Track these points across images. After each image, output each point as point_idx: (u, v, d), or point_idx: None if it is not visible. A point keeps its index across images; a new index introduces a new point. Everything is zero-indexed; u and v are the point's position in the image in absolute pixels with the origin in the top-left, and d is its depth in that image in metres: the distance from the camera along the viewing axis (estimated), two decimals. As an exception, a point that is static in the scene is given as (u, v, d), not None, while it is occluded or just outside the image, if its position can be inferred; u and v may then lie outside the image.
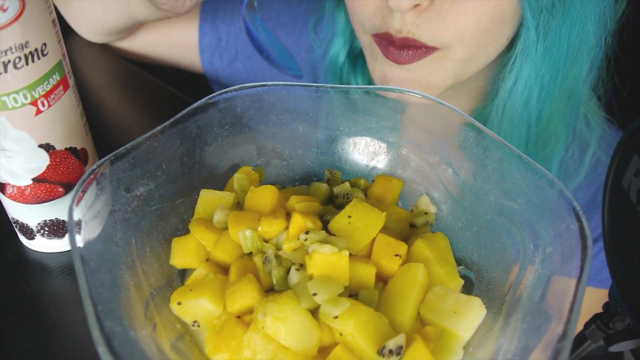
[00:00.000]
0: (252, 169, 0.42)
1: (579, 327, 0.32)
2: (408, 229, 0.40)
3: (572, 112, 0.60)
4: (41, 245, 0.42)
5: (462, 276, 0.37)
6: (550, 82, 0.56)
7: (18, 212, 0.40)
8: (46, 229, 0.41)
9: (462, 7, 0.49)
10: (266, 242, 0.36)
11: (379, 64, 0.57)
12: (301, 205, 0.37)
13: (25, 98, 0.34)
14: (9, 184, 0.38)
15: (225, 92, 0.39)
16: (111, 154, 0.33)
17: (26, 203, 0.39)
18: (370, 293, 0.33)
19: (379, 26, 0.53)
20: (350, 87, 0.40)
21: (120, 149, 0.34)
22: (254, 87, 0.40)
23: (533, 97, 0.57)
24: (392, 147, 0.43)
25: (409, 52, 0.53)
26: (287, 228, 0.35)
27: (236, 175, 0.40)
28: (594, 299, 0.65)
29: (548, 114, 0.59)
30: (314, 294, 0.30)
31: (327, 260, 0.32)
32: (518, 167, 0.35)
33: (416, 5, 0.49)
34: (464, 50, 0.53)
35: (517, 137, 0.61)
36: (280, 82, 0.40)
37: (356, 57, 0.69)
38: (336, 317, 0.30)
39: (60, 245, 0.42)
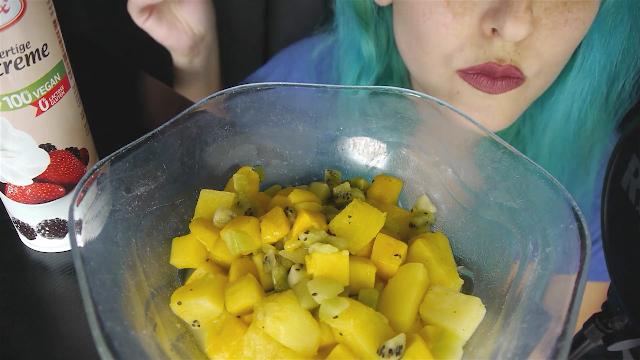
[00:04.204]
0: (252, 169, 0.42)
1: (578, 326, 0.32)
2: (408, 229, 0.40)
3: (612, 118, 0.61)
4: (42, 245, 0.42)
5: (462, 276, 0.37)
6: (604, 93, 0.58)
7: (19, 212, 0.40)
8: (47, 228, 0.41)
9: (560, 32, 0.50)
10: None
11: (463, 97, 0.56)
12: (305, 205, 0.37)
13: (26, 98, 0.34)
14: (9, 184, 0.38)
15: (226, 92, 0.39)
16: (112, 154, 0.33)
17: (27, 203, 0.39)
18: (370, 293, 0.33)
19: (476, 57, 0.52)
20: (351, 87, 0.40)
21: (121, 149, 0.34)
22: (254, 87, 0.40)
23: (587, 109, 0.58)
24: (392, 147, 0.43)
25: (503, 82, 0.52)
26: (290, 229, 0.35)
27: (236, 176, 0.40)
28: (596, 293, 0.65)
29: (592, 124, 0.60)
30: (314, 294, 0.30)
31: (327, 260, 0.32)
32: (517, 167, 0.35)
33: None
34: (547, 78, 0.54)
35: (565, 149, 0.62)
36: (280, 83, 0.40)
37: None
38: (336, 317, 0.30)
39: (60, 245, 0.43)
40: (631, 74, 0.56)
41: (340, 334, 0.30)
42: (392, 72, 0.68)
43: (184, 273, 0.37)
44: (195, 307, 0.32)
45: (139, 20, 0.72)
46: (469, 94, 0.55)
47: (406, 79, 0.69)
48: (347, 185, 0.41)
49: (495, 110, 0.55)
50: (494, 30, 0.49)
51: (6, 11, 0.31)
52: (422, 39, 0.54)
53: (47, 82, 0.35)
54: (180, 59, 0.79)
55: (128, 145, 0.34)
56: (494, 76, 0.52)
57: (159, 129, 0.36)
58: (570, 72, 0.57)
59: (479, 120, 0.55)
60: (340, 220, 0.35)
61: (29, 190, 0.38)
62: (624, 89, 0.58)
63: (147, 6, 0.70)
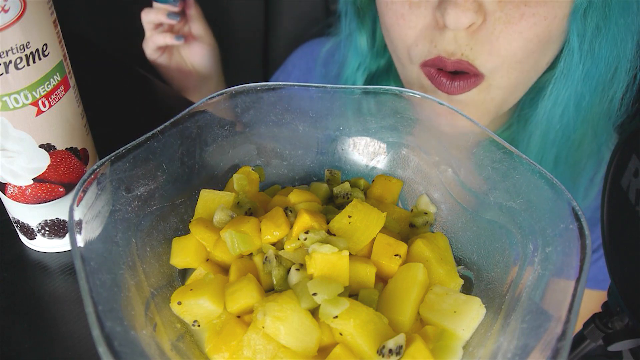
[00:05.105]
0: (252, 169, 0.42)
1: (578, 326, 0.32)
2: (408, 229, 0.40)
3: (604, 131, 0.60)
4: (42, 245, 0.42)
5: (462, 276, 0.37)
6: (589, 103, 0.56)
7: (19, 212, 0.40)
8: (47, 228, 0.41)
9: (515, 27, 0.49)
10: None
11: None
12: (305, 205, 0.37)
13: (26, 98, 0.34)
14: (9, 184, 0.38)
15: (225, 92, 0.39)
16: (112, 154, 0.33)
17: (27, 203, 0.39)
18: (370, 293, 0.33)
19: (429, 51, 0.52)
20: (350, 87, 0.40)
21: (121, 149, 0.34)
22: (254, 87, 0.40)
23: (570, 118, 0.57)
24: (392, 147, 0.43)
25: (460, 82, 0.52)
26: (290, 229, 0.35)
27: (236, 176, 0.40)
28: (595, 301, 0.65)
29: (581, 135, 0.58)
30: (314, 294, 0.30)
31: (327, 260, 0.32)
32: (517, 167, 0.35)
33: (470, 25, 0.48)
34: (509, 76, 0.53)
35: (548, 156, 0.60)
36: (280, 83, 0.40)
37: (370, 82, 0.69)
38: (336, 317, 0.30)
39: (60, 245, 0.43)
40: (622, 85, 0.54)
41: (340, 334, 0.30)
42: (391, 67, 0.69)
43: (184, 273, 0.37)
44: (195, 307, 0.32)
45: (153, 56, 0.79)
46: (433, 94, 0.55)
47: None
48: (347, 185, 0.41)
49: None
50: None
51: (6, 11, 0.31)
52: (388, 33, 0.55)
53: (47, 82, 0.35)
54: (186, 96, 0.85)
55: (128, 145, 0.34)
56: (446, 70, 0.52)
57: (159, 129, 0.36)
58: (553, 77, 0.55)
59: (447, 123, 0.55)
60: (340, 220, 0.35)
61: (29, 190, 0.38)
62: (612, 101, 0.56)
63: (162, 46, 0.78)
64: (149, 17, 0.75)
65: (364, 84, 0.69)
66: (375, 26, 0.66)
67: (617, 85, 0.54)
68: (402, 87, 0.66)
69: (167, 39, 0.75)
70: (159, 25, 0.76)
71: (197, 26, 0.78)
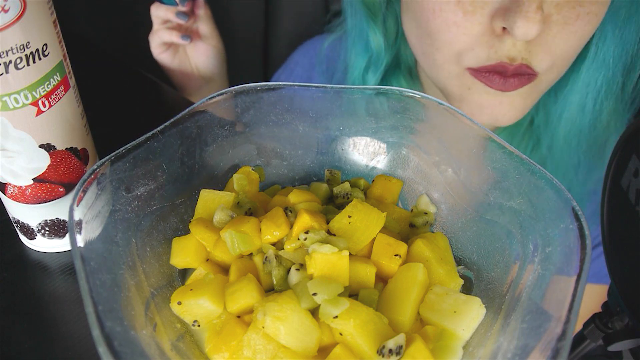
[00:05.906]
0: (252, 169, 0.42)
1: (578, 326, 0.32)
2: (408, 229, 0.40)
3: (627, 112, 0.61)
4: (42, 245, 0.42)
5: (462, 276, 0.37)
6: (619, 86, 0.57)
7: (19, 212, 0.40)
8: (47, 228, 0.41)
9: (571, 27, 0.50)
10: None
11: (475, 94, 0.56)
12: (305, 205, 0.37)
13: (26, 98, 0.34)
14: (9, 184, 0.38)
15: (226, 92, 0.39)
16: (112, 154, 0.33)
17: (27, 203, 0.39)
18: (370, 293, 0.33)
19: (487, 56, 0.52)
20: (351, 87, 0.40)
21: (121, 149, 0.34)
22: (254, 87, 0.40)
23: (598, 103, 0.58)
24: (392, 147, 0.43)
25: (515, 80, 0.53)
26: (290, 229, 0.35)
27: (236, 176, 0.40)
28: (598, 296, 0.65)
29: (607, 116, 0.60)
30: (314, 294, 0.30)
31: (327, 260, 0.32)
32: (517, 167, 0.35)
33: None
34: (558, 70, 0.54)
35: (576, 143, 0.61)
36: (281, 82, 0.40)
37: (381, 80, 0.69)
38: (336, 317, 0.30)
39: (60, 245, 0.43)
40: None
41: (340, 334, 0.30)
42: (400, 61, 0.68)
43: (184, 273, 0.37)
44: (195, 307, 0.32)
45: (156, 50, 0.78)
46: (480, 90, 0.55)
47: (414, 69, 0.69)
48: (347, 185, 0.41)
49: (506, 107, 0.56)
50: (504, 28, 0.49)
51: (6, 11, 0.31)
52: (432, 36, 0.54)
53: (47, 82, 0.35)
54: (187, 96, 0.85)
55: (128, 145, 0.34)
56: (505, 75, 0.53)
57: (159, 129, 0.36)
58: (584, 63, 0.57)
59: (489, 116, 0.55)
60: (340, 220, 0.35)
61: (29, 190, 0.38)
62: (637, 85, 0.57)
63: (167, 42, 0.77)
64: (158, 12, 0.75)
65: (374, 81, 0.69)
66: (386, 20, 0.65)
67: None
68: (415, 84, 0.66)
69: (173, 37, 0.75)
70: (167, 21, 0.76)
71: (205, 26, 0.78)
